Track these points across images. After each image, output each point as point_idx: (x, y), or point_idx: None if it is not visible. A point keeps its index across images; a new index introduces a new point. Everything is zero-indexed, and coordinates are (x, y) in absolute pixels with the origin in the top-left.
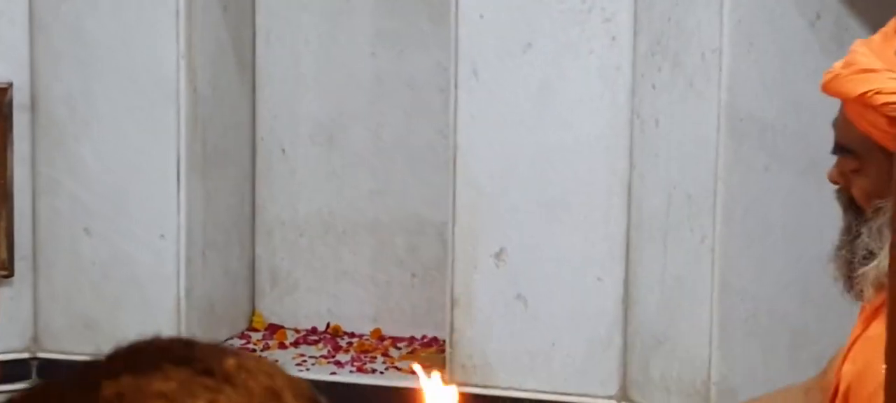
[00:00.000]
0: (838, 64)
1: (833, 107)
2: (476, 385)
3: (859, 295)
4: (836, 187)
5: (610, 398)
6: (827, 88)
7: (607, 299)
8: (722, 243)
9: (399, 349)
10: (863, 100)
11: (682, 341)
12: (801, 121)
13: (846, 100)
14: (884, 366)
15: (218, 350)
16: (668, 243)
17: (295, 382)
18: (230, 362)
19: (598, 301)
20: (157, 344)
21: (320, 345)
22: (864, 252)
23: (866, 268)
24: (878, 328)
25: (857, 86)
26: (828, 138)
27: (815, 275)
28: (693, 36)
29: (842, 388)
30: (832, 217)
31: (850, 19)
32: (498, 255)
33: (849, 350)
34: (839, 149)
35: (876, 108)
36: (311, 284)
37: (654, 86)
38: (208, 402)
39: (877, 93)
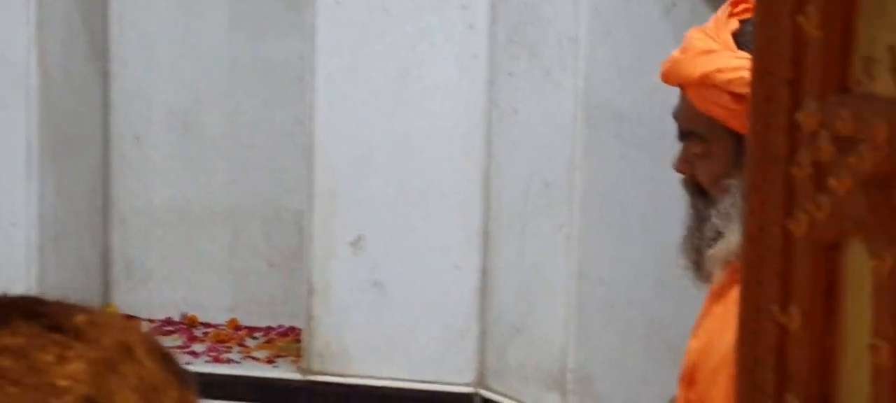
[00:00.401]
0: (675, 52)
1: None
2: (333, 374)
3: (708, 278)
4: (682, 177)
5: (467, 385)
6: (667, 76)
7: (465, 287)
8: (579, 231)
9: (256, 338)
10: (705, 80)
11: (539, 329)
12: (657, 108)
13: (688, 84)
14: (730, 338)
15: (68, 307)
16: (526, 231)
17: (148, 338)
18: (80, 317)
19: (456, 289)
20: (5, 301)
21: (176, 336)
22: (713, 234)
23: (715, 250)
24: (723, 305)
25: (698, 68)
26: None
27: (671, 263)
28: (550, 24)
29: (688, 365)
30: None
31: (704, 7)
32: (356, 243)
33: (696, 329)
34: (684, 134)
35: (719, 87)
36: (166, 274)
37: (511, 75)
38: (57, 357)
39: (718, 71)
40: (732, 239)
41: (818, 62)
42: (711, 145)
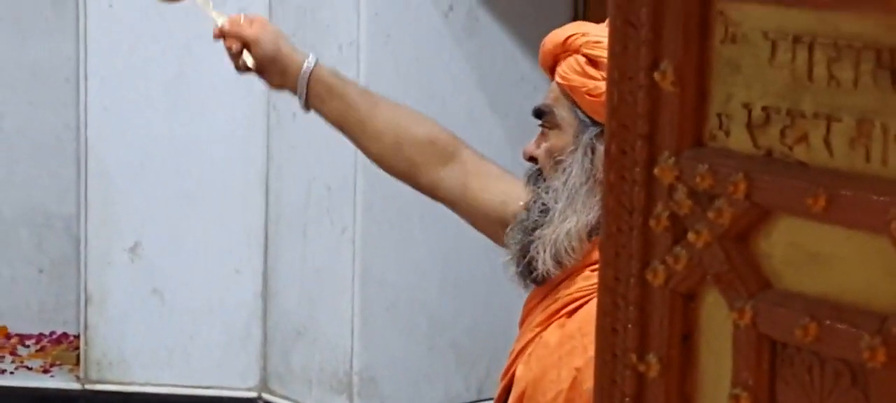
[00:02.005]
0: None
1: (466, 98)
2: (112, 383)
3: (529, 266)
4: (529, 168)
5: (250, 390)
6: (543, 50)
7: (246, 291)
8: (362, 233)
9: (27, 347)
10: (568, 43)
11: (323, 332)
12: (437, 111)
13: (554, 50)
14: (572, 372)
15: None
16: (308, 234)
17: None
18: None
19: (237, 293)
20: None
21: None
22: (541, 207)
23: (542, 231)
24: (556, 335)
25: (564, 34)
26: (462, 128)
27: (451, 262)
28: (329, 28)
29: (516, 391)
30: None
31: (480, 10)
32: (133, 249)
33: (522, 349)
34: (539, 112)
35: (577, 49)
36: None
37: None
38: None
39: (582, 34)
40: (560, 227)
41: (674, 118)
42: (559, 123)
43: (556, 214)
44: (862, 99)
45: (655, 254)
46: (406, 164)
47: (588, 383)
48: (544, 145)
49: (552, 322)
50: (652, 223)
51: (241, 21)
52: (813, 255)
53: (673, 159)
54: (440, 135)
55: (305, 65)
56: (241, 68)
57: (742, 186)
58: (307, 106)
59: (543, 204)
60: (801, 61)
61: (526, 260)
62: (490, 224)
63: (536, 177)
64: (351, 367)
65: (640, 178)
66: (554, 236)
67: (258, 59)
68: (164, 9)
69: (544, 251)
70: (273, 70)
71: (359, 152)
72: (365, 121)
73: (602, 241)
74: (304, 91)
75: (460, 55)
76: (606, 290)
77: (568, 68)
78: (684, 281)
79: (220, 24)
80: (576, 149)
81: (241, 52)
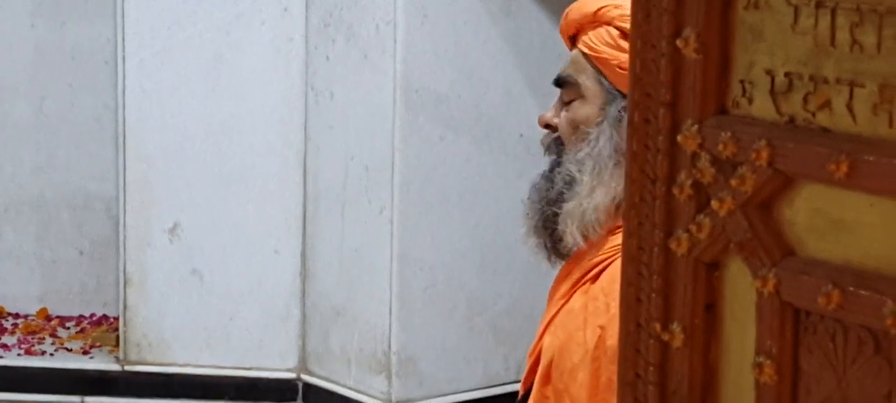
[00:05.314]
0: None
1: (504, 77)
2: (152, 364)
3: (552, 237)
4: (545, 134)
5: (289, 370)
6: (566, 19)
7: (285, 272)
8: (400, 213)
9: (68, 328)
10: (599, 15)
11: (361, 312)
12: (474, 91)
13: (584, 22)
14: (596, 330)
15: None
16: (346, 214)
17: None
18: None
19: (276, 274)
20: None
21: None
22: (566, 178)
23: (569, 206)
24: (581, 300)
25: (596, 3)
26: (500, 107)
27: (489, 242)
28: (367, 8)
29: (544, 361)
30: (506, 184)
31: None
32: (172, 230)
33: (549, 322)
34: (561, 81)
35: (608, 22)
36: None
37: (328, 58)
38: None
39: (615, 6)
40: (588, 201)
41: (697, 85)
42: (584, 93)
43: (584, 186)
44: (885, 64)
45: (679, 223)
46: None
47: (612, 340)
48: (565, 114)
49: (576, 290)
50: (675, 191)
51: None
52: (836, 222)
53: (696, 127)
54: None
55: None
56: None
57: (765, 153)
58: None
59: (569, 174)
60: (823, 27)
61: (552, 234)
62: None
63: (555, 146)
64: (389, 347)
65: (664, 147)
66: (582, 210)
67: None
68: None
69: (572, 224)
70: None
71: (396, 131)
72: None
73: (625, 211)
74: None
75: (497, 34)
76: (630, 260)
77: (597, 39)
78: (708, 249)
79: None
80: (602, 121)
81: None
